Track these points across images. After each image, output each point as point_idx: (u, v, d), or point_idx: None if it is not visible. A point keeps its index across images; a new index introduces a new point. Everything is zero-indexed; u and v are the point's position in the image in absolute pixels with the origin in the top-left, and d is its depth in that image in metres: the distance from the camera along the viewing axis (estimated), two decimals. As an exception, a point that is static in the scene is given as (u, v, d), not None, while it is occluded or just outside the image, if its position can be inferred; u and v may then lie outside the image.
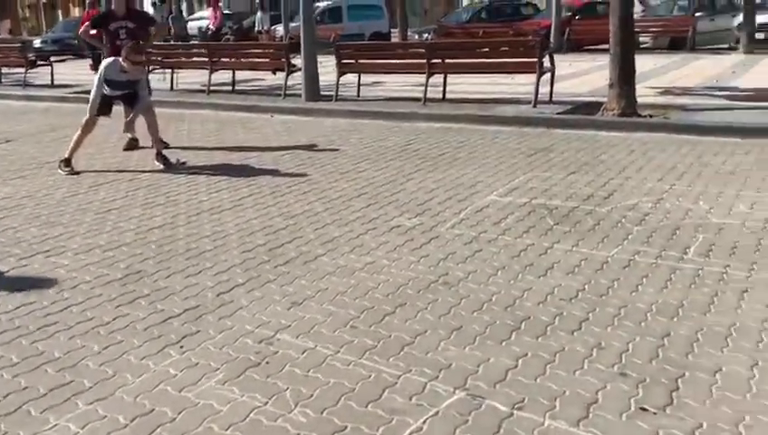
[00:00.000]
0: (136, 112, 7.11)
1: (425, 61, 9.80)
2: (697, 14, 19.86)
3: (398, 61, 10.71)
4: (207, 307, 3.54)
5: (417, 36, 23.07)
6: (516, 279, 3.78)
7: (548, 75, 9.55)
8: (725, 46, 18.77)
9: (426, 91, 9.95)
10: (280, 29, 25.03)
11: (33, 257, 4.36)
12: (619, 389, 2.66)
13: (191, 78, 13.41)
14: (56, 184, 6.30)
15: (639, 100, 8.85)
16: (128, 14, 7.66)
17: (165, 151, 6.99)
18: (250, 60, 12.08)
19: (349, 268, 4.01)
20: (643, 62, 14.73)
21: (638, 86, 9.73)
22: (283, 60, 11.09)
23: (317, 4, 26.85)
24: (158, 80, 12.46)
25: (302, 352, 3.02)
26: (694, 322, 3.21)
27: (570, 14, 21.04)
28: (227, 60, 11.93)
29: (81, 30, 8.51)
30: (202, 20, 31.68)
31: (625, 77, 8.48)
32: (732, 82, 11.50)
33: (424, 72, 9.89)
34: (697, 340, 3.04)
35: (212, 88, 12.03)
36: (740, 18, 17.86)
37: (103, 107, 6.70)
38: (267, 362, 2.95)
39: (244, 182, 6.13)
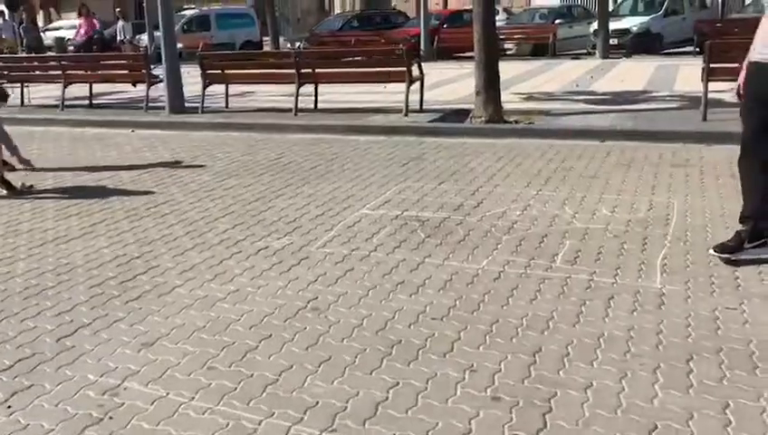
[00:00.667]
0: None
1: (294, 70, 9.55)
2: (557, 22, 20.86)
3: (266, 70, 10.39)
4: (45, 355, 3.13)
5: (289, 45, 22.77)
6: (388, 299, 3.63)
7: (417, 84, 9.58)
8: (584, 51, 19.80)
9: (296, 101, 9.71)
10: (144, 38, 24.02)
11: None
12: (493, 416, 2.55)
13: (45, 93, 12.46)
14: None
15: (505, 106, 9.04)
16: None
17: (9, 175, 6.34)
18: (107, 72, 11.34)
19: (209, 299, 3.70)
20: (508, 69, 15.21)
21: (505, 92, 9.98)
22: (144, 71, 10.48)
23: (183, 12, 26.04)
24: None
25: (152, 402, 2.71)
26: (563, 334, 3.17)
27: (438, 22, 21.48)
28: (82, 72, 11.14)
29: None
30: (60, 30, 29.95)
31: (490, 84, 8.64)
32: (591, 87, 12.04)
33: (293, 82, 9.64)
34: (568, 354, 2.99)
35: (67, 103, 11.21)
36: (595, 25, 18.90)
37: None
38: (110, 418, 2.61)
39: (96, 206, 5.64)
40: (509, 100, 10.38)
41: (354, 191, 5.85)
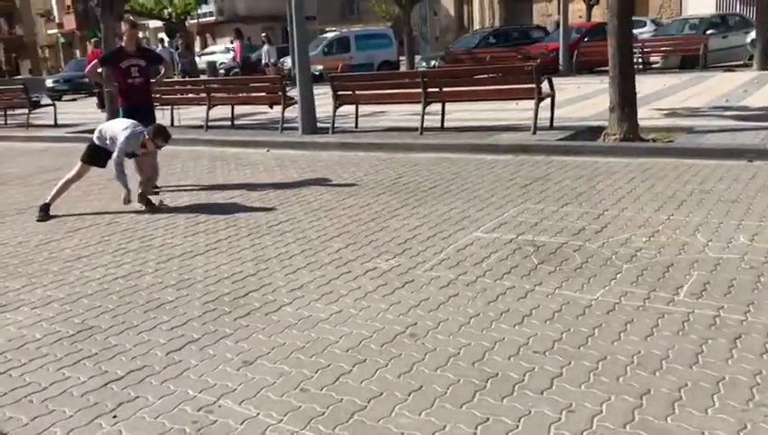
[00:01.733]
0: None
1: (421, 90, 9.58)
2: (709, 32, 19.54)
3: (394, 91, 10.50)
4: (154, 368, 3.29)
5: (424, 63, 23.00)
6: (489, 328, 3.49)
7: (548, 100, 9.30)
8: (740, 63, 18.40)
9: (422, 120, 9.73)
10: (288, 61, 25.19)
11: (-12, 313, 4.17)
12: (585, 463, 2.36)
13: (194, 114, 13.34)
14: (34, 230, 6.13)
15: (645, 122, 8.56)
16: (139, 52, 7.55)
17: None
18: (246, 95, 11.96)
19: (312, 319, 3.74)
20: (652, 83, 14.49)
21: (645, 108, 9.48)
22: (280, 93, 10.95)
23: (325, 35, 27.06)
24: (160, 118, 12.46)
25: (242, 422, 2.76)
26: (677, 376, 2.89)
27: (578, 35, 20.82)
28: (224, 95, 11.82)
29: (87, 69, 8.20)
30: (214, 54, 32.14)
31: (625, 100, 8.20)
32: (742, 102, 11.14)
33: (420, 102, 9.68)
34: (680, 398, 2.73)
35: (211, 124, 11.94)
36: (753, 34, 17.51)
37: (94, 158, 6.56)
38: (201, 435, 2.69)
39: (223, 223, 5.92)
40: (649, 116, 9.84)
41: (470, 213, 5.73)
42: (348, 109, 10.94)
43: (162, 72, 8.00)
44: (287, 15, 10.80)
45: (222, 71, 26.37)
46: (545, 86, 9.17)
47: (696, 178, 6.37)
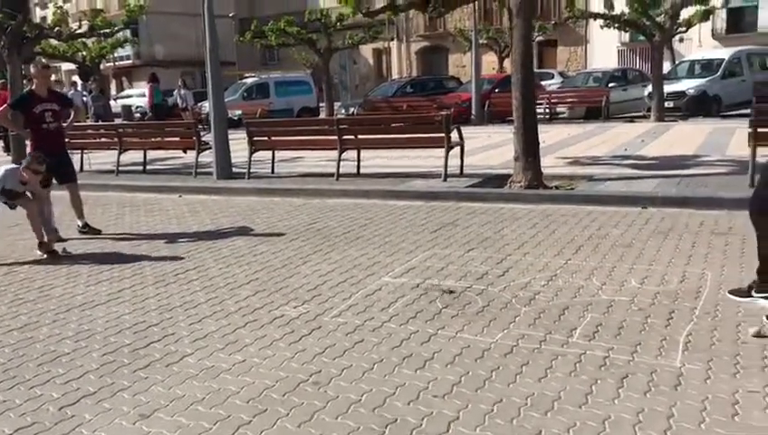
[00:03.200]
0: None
1: (336, 137, 9.73)
2: (611, 85, 20.73)
3: (310, 137, 10.62)
4: (44, 425, 3.16)
5: (343, 111, 23.32)
6: (392, 373, 3.55)
7: (458, 149, 9.60)
8: (639, 114, 19.55)
9: (338, 166, 9.86)
10: (206, 105, 24.99)
11: None
12: (475, 505, 2.42)
13: (106, 158, 13.02)
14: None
15: (549, 170, 8.95)
16: (51, 96, 7.30)
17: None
18: (159, 139, 11.81)
19: (214, 370, 3.70)
20: (558, 132, 15.19)
21: (550, 156, 9.90)
22: (194, 138, 10.87)
23: (244, 80, 27.09)
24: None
25: (134, 478, 2.69)
26: (567, 416, 3.02)
27: (490, 87, 21.65)
28: (137, 140, 11.63)
29: None
30: (131, 98, 31.54)
31: (529, 149, 8.58)
32: (640, 151, 11.83)
33: (335, 148, 9.82)
34: (569, 438, 2.84)
35: (123, 169, 11.70)
36: (650, 88, 18.69)
37: None
38: (91, 493, 2.60)
39: (128, 271, 5.78)
40: (553, 164, 10.30)
41: (380, 258, 5.82)
42: (265, 154, 10.96)
43: (72, 115, 7.80)
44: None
45: (138, 114, 25.92)
46: (455, 135, 9.48)
47: (594, 224, 6.70)
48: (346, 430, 3.00)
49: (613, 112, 19.62)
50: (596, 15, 20.24)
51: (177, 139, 11.38)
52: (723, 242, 5.79)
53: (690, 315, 4.16)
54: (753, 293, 4.29)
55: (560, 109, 20.70)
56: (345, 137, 9.81)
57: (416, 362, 3.67)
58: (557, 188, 8.60)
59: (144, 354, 3.95)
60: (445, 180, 9.17)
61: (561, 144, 12.96)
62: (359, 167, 10.27)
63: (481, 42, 26.43)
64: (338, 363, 3.71)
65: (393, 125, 10.45)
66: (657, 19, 18.13)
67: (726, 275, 4.87)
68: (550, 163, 10.17)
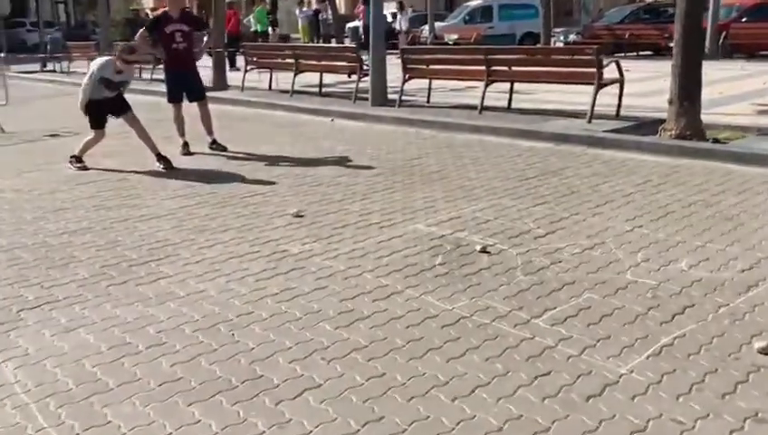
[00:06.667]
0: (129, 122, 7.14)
1: (483, 67, 9.21)
2: None
3: (460, 67, 10.17)
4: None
5: (562, 38, 21.88)
6: (314, 327, 3.40)
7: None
8: None
9: (482, 99, 9.36)
10: (426, 29, 25.01)
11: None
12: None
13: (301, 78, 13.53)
14: (56, 179, 6.71)
15: (734, 119, 7.66)
16: (182, 18, 7.88)
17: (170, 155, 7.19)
18: (329, 63, 12.10)
19: (173, 294, 3.83)
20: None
21: (744, 103, 8.56)
22: (356, 63, 10.99)
23: (468, 3, 26.49)
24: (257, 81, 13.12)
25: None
26: (428, 405, 2.67)
27: (735, 15, 18.73)
28: (310, 62, 12.06)
29: (137, 36, 8.28)
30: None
31: (686, 92, 7.35)
32: None
33: (483, 80, 9.31)
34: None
35: (303, 89, 12.25)
36: None
37: (99, 121, 6.99)
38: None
39: (207, 189, 6.15)
40: (741, 111, 8.76)
41: (438, 203, 5.49)
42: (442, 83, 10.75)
43: (206, 38, 8.27)
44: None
45: (363, 36, 26.73)
46: (610, 71, 8.44)
47: (717, 189, 5.63)
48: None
49: None
50: None
51: (344, 63, 11.56)
52: None
53: (704, 316, 3.38)
54: None
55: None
56: (493, 68, 9.23)
57: (347, 319, 3.47)
58: (716, 140, 7.32)
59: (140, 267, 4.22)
60: (589, 122, 8.27)
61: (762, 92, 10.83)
62: (510, 101, 9.65)
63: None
64: (272, 307, 3.62)
65: (540, 57, 9.56)
66: None
67: (809, 272, 3.84)
68: (738, 111, 8.69)
